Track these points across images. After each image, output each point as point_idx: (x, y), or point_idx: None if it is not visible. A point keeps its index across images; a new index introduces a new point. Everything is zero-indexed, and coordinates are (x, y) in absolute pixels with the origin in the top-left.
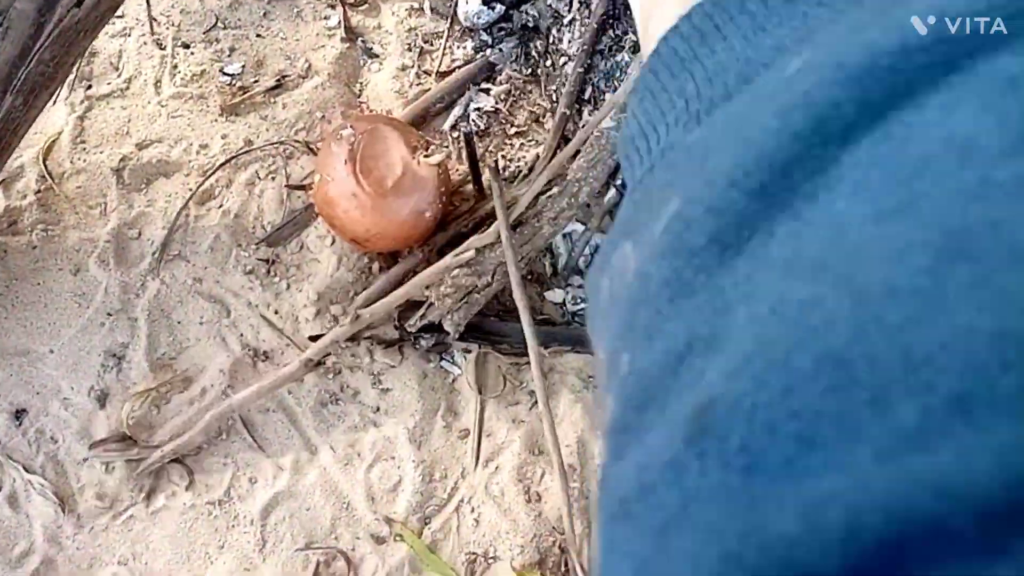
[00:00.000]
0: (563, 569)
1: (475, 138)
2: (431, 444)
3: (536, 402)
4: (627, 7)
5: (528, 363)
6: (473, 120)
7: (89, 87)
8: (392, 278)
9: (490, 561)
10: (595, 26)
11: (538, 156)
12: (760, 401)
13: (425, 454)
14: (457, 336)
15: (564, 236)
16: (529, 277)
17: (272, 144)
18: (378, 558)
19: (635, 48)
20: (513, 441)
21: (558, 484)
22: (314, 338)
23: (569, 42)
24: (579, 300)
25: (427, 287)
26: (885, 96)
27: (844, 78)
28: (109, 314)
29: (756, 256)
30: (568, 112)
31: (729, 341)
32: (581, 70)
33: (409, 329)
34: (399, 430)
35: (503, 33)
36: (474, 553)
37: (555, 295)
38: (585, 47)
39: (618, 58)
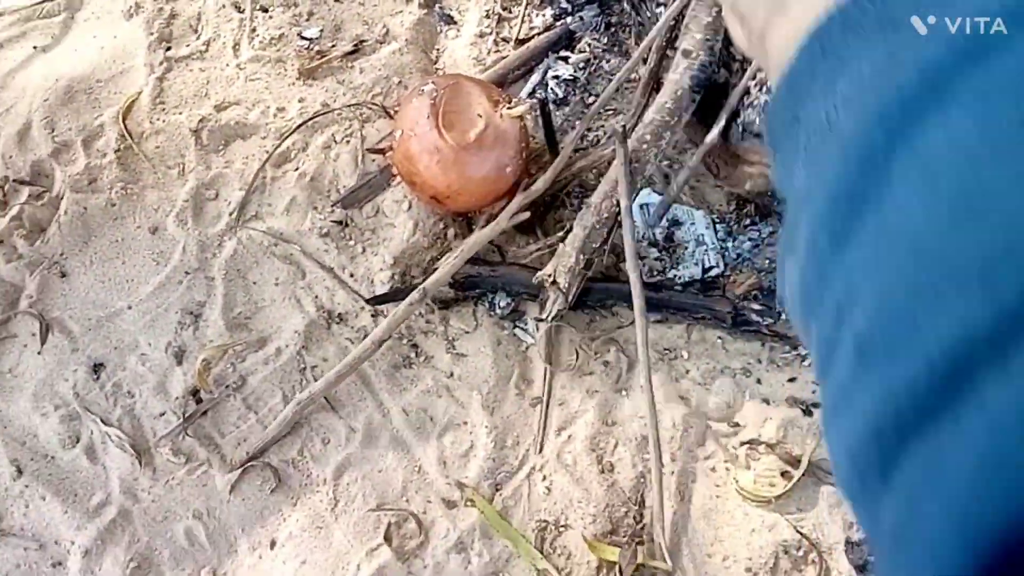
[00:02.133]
0: (636, 540)
1: (553, 107)
2: (504, 411)
3: (609, 373)
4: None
5: (601, 336)
6: (552, 88)
7: (168, 48)
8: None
9: (561, 529)
10: None
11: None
12: None
13: (498, 420)
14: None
15: (641, 207)
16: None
17: (349, 107)
18: (449, 522)
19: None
20: (586, 411)
21: (652, 458)
22: (376, 299)
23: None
24: (655, 272)
25: (544, 277)
26: None
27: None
28: (187, 272)
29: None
30: (659, 59)
31: None
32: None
33: (539, 320)
34: (472, 395)
35: (583, 1)
36: (545, 521)
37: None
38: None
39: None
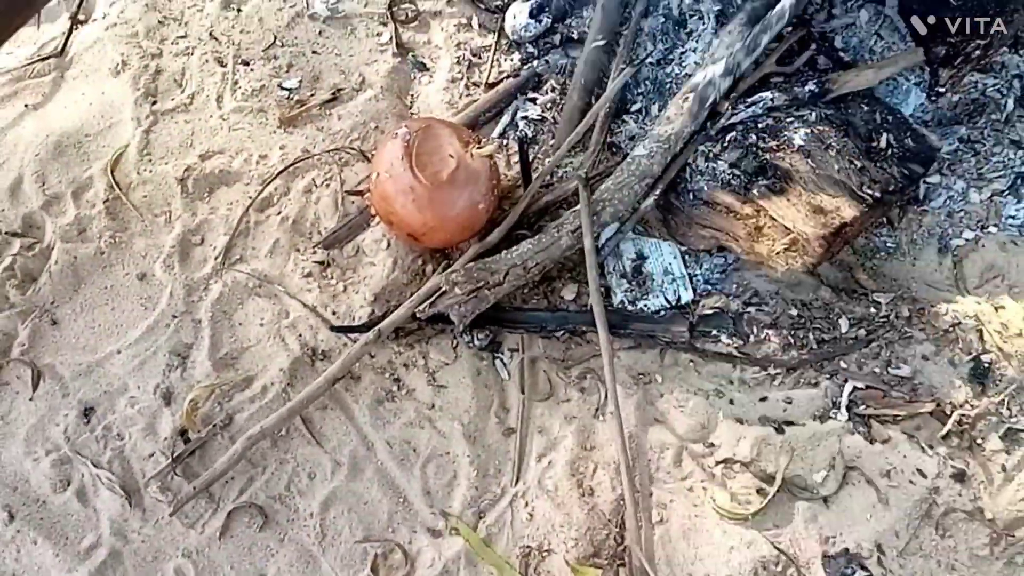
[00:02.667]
0: (618, 562)
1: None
2: (485, 440)
3: (586, 400)
4: (677, 23)
5: (575, 364)
6: (521, 127)
7: (154, 103)
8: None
9: (544, 554)
10: (638, 33)
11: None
12: None
13: (479, 449)
14: (464, 327)
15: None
16: (548, 275)
17: (328, 152)
18: (434, 551)
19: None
20: (566, 437)
21: (624, 479)
22: (340, 328)
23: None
24: (626, 303)
25: (444, 275)
26: None
27: None
28: (174, 316)
29: None
30: (609, 118)
31: None
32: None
33: (419, 316)
34: (454, 426)
35: (548, 45)
36: (528, 546)
37: (569, 291)
38: (630, 57)
39: (667, 70)
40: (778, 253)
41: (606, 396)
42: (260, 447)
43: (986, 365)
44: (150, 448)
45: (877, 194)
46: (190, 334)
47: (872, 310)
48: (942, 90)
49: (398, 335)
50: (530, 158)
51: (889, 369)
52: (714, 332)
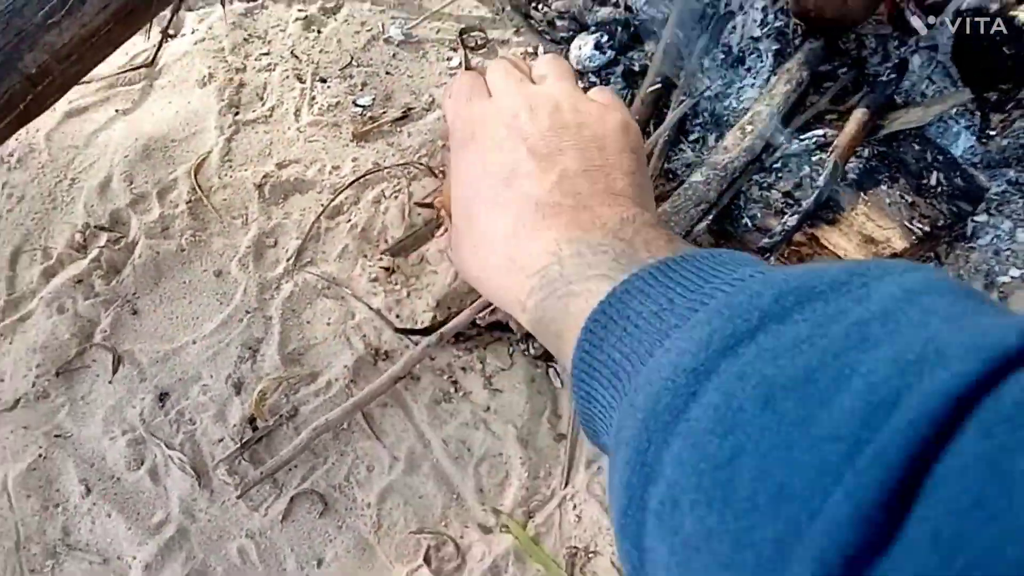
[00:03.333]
0: None
1: None
2: (537, 444)
3: None
4: (736, 60)
5: None
6: None
7: (237, 113)
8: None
9: (591, 555)
10: (699, 68)
11: None
12: None
13: (531, 452)
14: (521, 336)
15: None
16: None
17: (398, 166)
18: (485, 546)
19: (739, 94)
20: None
21: None
22: (403, 330)
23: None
24: None
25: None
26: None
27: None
28: (247, 312)
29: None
30: (667, 146)
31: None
32: (684, 107)
33: (479, 323)
34: (507, 429)
35: (610, 75)
36: (575, 547)
37: None
38: (689, 90)
39: (725, 103)
40: None
41: None
42: (323, 439)
43: None
44: (220, 433)
45: (927, 228)
46: (261, 329)
47: None
48: (992, 133)
49: (457, 340)
50: None
51: None
52: None
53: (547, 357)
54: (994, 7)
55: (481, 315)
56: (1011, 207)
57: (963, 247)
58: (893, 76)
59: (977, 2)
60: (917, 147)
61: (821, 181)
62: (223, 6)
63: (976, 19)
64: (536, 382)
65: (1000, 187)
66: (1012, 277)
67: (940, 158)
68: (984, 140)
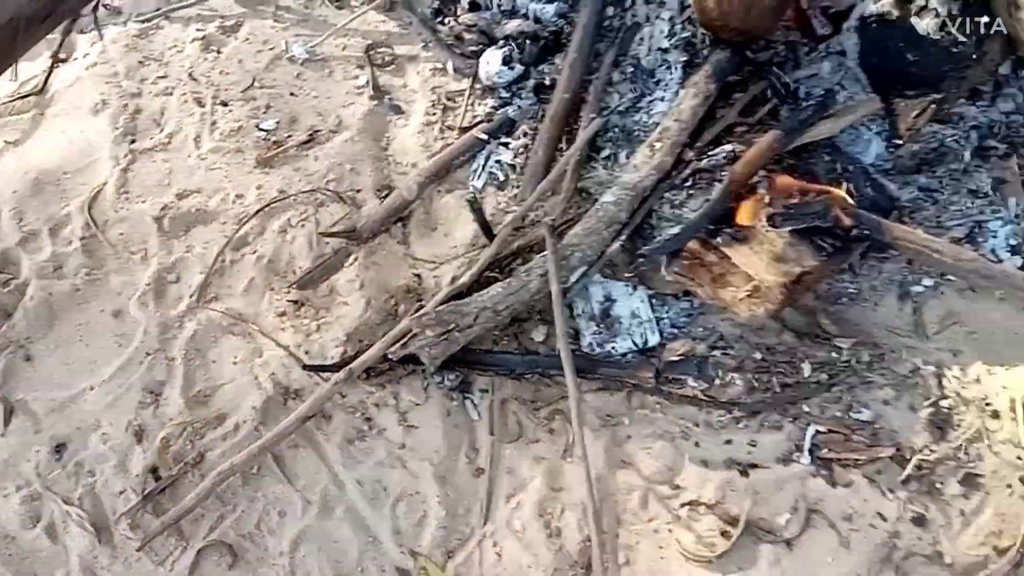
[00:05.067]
0: None
1: (496, 188)
2: (455, 480)
3: (555, 441)
4: (645, 73)
5: (544, 406)
6: (494, 172)
7: (133, 141)
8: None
9: None
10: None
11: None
12: None
13: (449, 489)
14: (434, 369)
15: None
16: (519, 317)
17: (304, 192)
18: None
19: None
20: (534, 478)
21: (591, 522)
22: (312, 367)
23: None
24: (594, 346)
25: (415, 317)
26: None
27: None
28: (147, 353)
29: None
30: (579, 164)
31: None
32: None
33: (391, 357)
34: (424, 466)
35: (521, 90)
36: None
37: (539, 333)
38: (599, 106)
39: (635, 118)
40: (741, 299)
41: (573, 437)
42: (231, 485)
43: (945, 410)
44: (121, 485)
45: (837, 243)
46: (163, 372)
47: (834, 355)
48: (901, 140)
49: (369, 375)
50: (501, 202)
51: (851, 413)
52: (680, 377)
53: (463, 389)
54: (895, 14)
55: (392, 348)
56: (923, 214)
57: (877, 258)
58: (815, 104)
59: (878, 9)
60: (828, 158)
61: (703, 209)
62: (98, 29)
63: (879, 26)
64: (452, 416)
65: (911, 194)
66: (925, 287)
67: (850, 167)
68: (893, 147)
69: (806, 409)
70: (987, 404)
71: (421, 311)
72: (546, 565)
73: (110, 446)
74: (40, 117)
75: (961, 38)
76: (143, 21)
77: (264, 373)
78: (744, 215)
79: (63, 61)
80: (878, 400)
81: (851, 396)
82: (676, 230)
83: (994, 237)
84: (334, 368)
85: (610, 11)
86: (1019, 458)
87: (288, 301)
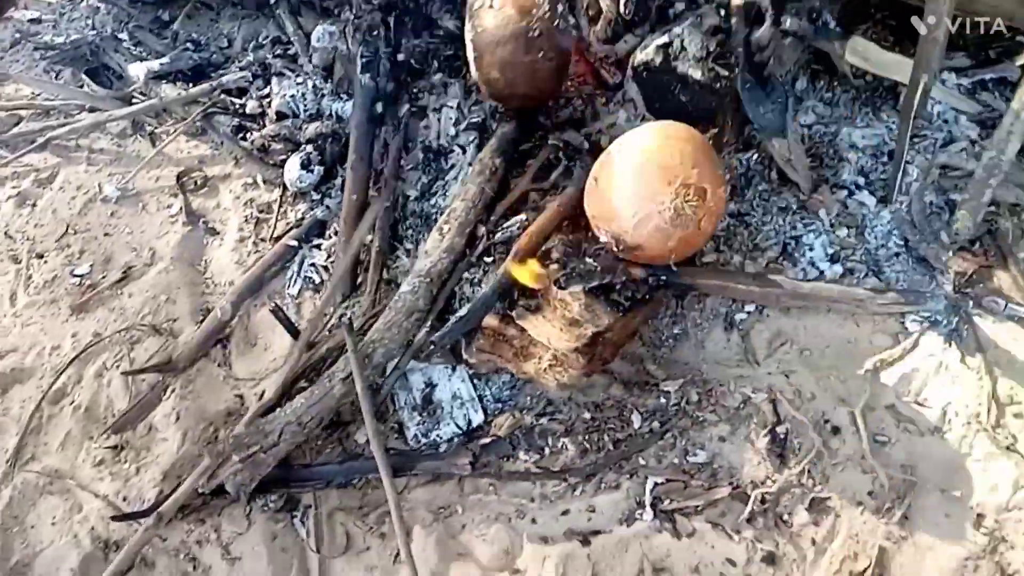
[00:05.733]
0: None
1: (312, 292)
2: None
3: (386, 545)
4: (436, 155)
5: (373, 510)
6: (309, 275)
7: None
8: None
9: None
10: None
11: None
12: None
13: None
14: (244, 495)
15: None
16: (341, 421)
17: (119, 332)
18: None
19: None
20: None
21: None
22: (118, 517)
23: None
24: (419, 437)
25: (207, 444)
26: None
27: None
28: None
29: None
30: (383, 252)
31: None
32: (392, 214)
33: (201, 491)
34: None
35: (331, 190)
36: None
37: (362, 434)
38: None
39: (432, 202)
40: (545, 370)
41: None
42: None
43: (782, 436)
44: None
45: (637, 296)
46: None
47: (662, 400)
48: None
49: (186, 512)
50: (316, 304)
51: (687, 457)
52: (500, 457)
53: (289, 508)
54: (658, 61)
55: (202, 482)
56: (737, 240)
57: (694, 295)
58: (585, 162)
59: (644, 58)
60: None
61: (486, 288)
62: None
63: (650, 73)
64: (278, 539)
65: (723, 223)
66: (748, 312)
67: None
68: None
69: (642, 462)
70: (826, 421)
71: (218, 439)
72: None
73: None
74: None
75: (724, 72)
76: None
77: (83, 529)
78: (531, 281)
79: None
80: (713, 439)
81: (685, 440)
82: (463, 311)
83: (811, 250)
84: (145, 514)
85: (380, 107)
86: (864, 472)
87: (106, 448)
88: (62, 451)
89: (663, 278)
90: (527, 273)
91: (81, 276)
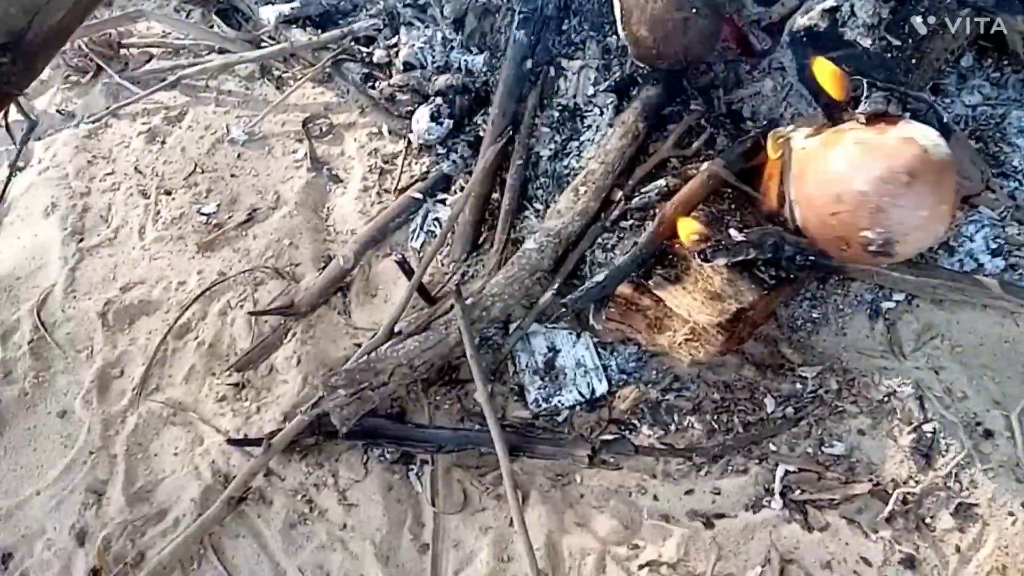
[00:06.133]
0: None
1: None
2: (399, 559)
3: (502, 507)
4: (573, 115)
5: (490, 471)
6: (432, 230)
7: (81, 240)
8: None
9: None
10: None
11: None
12: None
13: (392, 570)
14: (346, 433)
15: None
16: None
17: (242, 273)
18: None
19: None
20: (481, 549)
21: None
22: (233, 441)
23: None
24: (539, 401)
25: (323, 378)
26: None
27: None
28: (91, 452)
29: None
30: (511, 214)
31: None
32: (524, 172)
33: (303, 415)
34: (366, 546)
35: (457, 145)
36: None
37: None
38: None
39: (564, 162)
40: (680, 344)
41: (522, 500)
42: None
43: (929, 435)
44: None
45: (781, 274)
46: (106, 470)
47: (799, 386)
48: None
49: (303, 452)
50: (441, 260)
51: (823, 448)
52: (620, 453)
53: (405, 460)
54: (823, 26)
55: (305, 408)
56: None
57: (838, 279)
58: (757, 134)
59: (806, 22)
60: None
61: (628, 254)
62: (11, 136)
63: (809, 39)
64: (394, 490)
65: None
66: (896, 301)
67: None
68: None
69: (773, 448)
70: (978, 424)
71: (331, 371)
72: None
73: (54, 552)
74: None
75: (896, 42)
76: (93, 121)
77: (204, 462)
78: (692, 236)
79: (21, 169)
80: (852, 431)
81: (821, 429)
82: (600, 277)
83: (971, 241)
84: (257, 443)
85: (528, 64)
86: (1019, 480)
87: (228, 385)
88: (185, 384)
89: (811, 258)
90: (690, 226)
91: (208, 215)
